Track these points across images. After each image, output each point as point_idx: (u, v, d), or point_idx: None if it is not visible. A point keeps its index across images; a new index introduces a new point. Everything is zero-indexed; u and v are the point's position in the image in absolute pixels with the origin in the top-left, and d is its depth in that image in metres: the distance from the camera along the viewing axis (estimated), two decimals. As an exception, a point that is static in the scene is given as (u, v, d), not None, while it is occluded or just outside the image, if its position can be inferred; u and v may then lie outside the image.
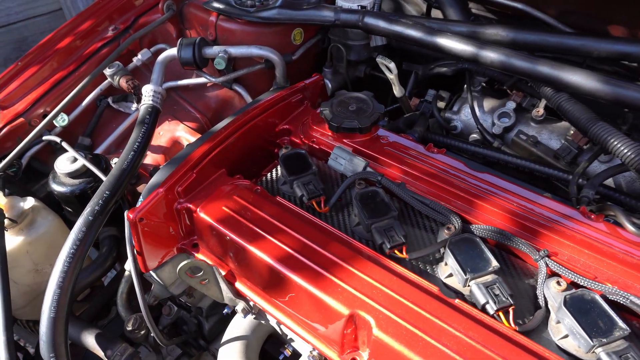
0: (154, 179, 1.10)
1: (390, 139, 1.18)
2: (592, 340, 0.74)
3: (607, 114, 1.27)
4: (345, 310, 0.83)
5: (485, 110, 1.45)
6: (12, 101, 1.56)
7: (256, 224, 0.98)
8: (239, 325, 1.24)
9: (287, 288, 0.93)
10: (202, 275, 1.07)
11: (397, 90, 1.47)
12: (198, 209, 1.04)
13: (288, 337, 1.18)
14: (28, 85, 1.59)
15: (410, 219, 1.04)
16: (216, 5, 1.59)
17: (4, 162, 1.40)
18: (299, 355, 1.16)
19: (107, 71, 1.61)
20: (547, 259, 0.88)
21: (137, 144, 1.31)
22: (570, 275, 0.86)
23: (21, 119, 1.53)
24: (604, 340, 0.74)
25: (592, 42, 1.21)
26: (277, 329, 1.18)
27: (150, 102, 1.43)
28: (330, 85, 1.71)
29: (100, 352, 1.21)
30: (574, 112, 1.13)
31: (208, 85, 1.77)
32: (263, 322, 1.21)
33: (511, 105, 1.39)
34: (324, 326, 0.91)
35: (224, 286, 1.07)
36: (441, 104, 1.55)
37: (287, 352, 1.27)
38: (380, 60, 1.42)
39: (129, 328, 1.26)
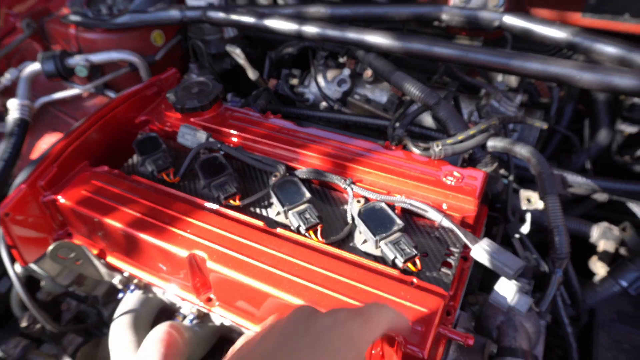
0: (18, 178, 1.20)
1: (233, 113, 1.35)
2: (375, 237, 0.94)
3: (431, 69, 1.52)
4: (184, 253, 0.99)
5: (329, 80, 1.65)
6: None
7: (110, 199, 1.11)
8: (129, 300, 1.36)
9: (144, 250, 1.08)
10: (75, 256, 1.18)
11: (251, 74, 1.64)
12: (59, 197, 1.16)
13: (177, 305, 1.32)
14: None
15: (249, 175, 1.21)
16: (73, 18, 1.69)
17: None
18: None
19: (-26, 94, 1.66)
20: (352, 185, 1.08)
21: (7, 153, 1.41)
22: (370, 194, 1.07)
23: None
24: (384, 234, 0.94)
25: (393, 9, 1.44)
26: (164, 298, 1.31)
27: (18, 115, 1.52)
28: (197, 79, 1.85)
29: (-5, 351, 1.29)
30: (380, 67, 1.35)
31: (84, 95, 1.86)
32: (150, 295, 1.34)
33: (346, 72, 1.60)
34: (185, 279, 1.06)
35: (97, 262, 1.20)
36: (295, 81, 1.73)
37: (179, 319, 1.41)
38: (228, 48, 1.58)
39: (23, 324, 1.34)
